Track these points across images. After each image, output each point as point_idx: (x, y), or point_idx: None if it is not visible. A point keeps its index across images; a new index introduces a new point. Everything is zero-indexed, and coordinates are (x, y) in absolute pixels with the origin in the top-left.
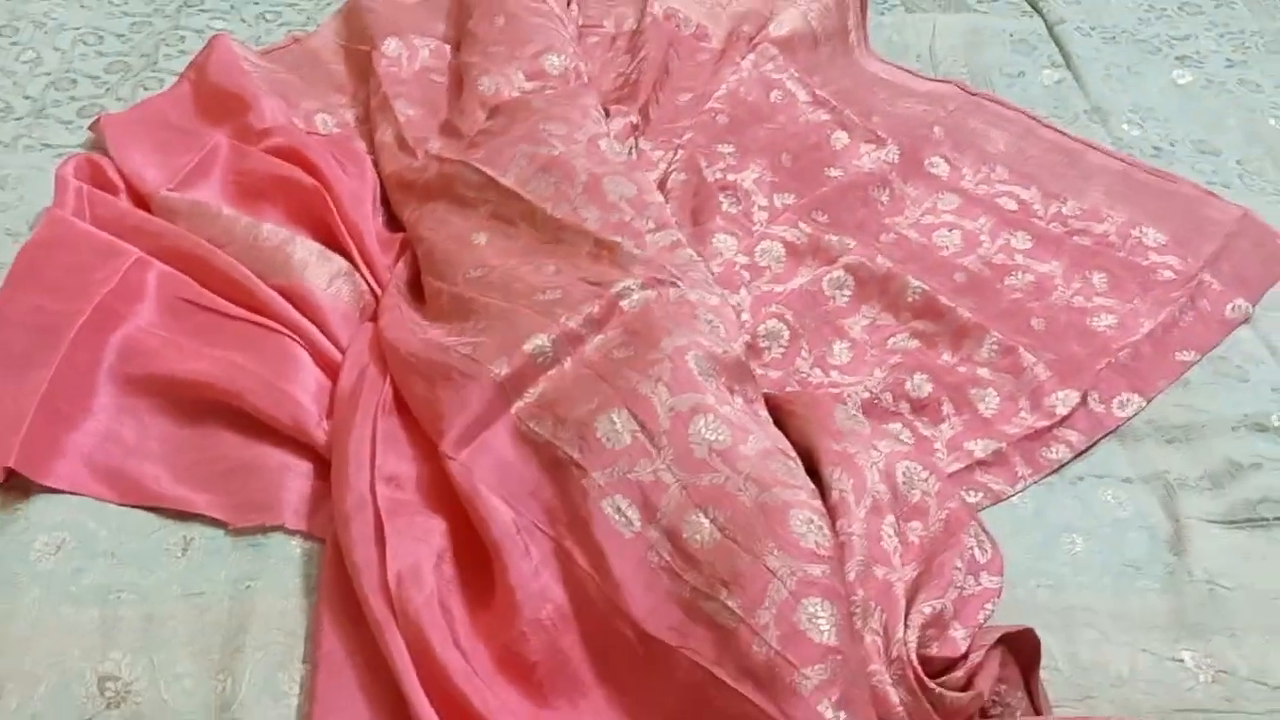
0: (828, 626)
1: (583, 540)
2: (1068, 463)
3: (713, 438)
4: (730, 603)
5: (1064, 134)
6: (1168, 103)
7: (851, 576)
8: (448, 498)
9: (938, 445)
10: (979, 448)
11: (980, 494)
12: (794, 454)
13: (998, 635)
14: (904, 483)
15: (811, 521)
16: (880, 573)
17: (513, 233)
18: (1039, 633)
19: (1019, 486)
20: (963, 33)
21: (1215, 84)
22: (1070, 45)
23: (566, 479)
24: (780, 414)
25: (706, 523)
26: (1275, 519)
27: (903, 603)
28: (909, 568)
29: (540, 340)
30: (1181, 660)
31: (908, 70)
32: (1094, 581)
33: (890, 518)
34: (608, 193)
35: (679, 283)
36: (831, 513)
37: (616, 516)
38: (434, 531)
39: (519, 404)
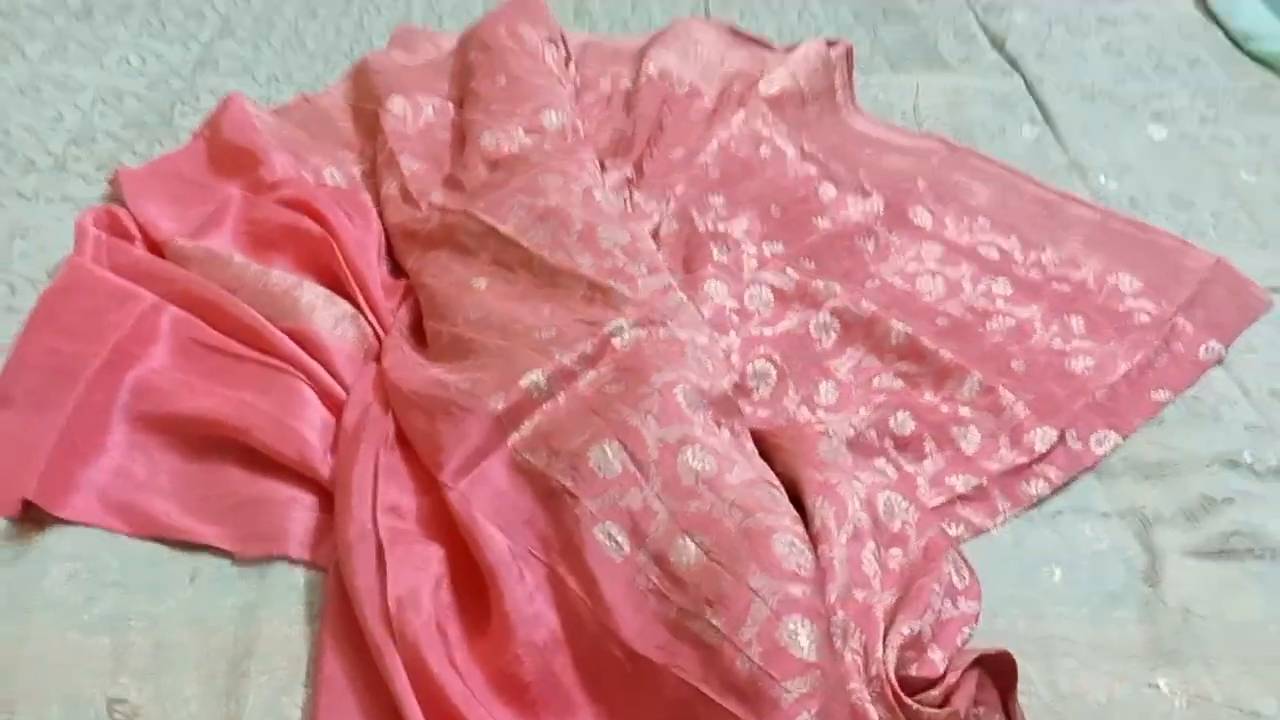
0: (808, 643)
1: (575, 566)
2: (1047, 497)
3: (699, 467)
4: (715, 621)
5: (1043, 187)
6: (1143, 157)
7: (833, 598)
8: (446, 527)
9: (920, 480)
10: (960, 483)
11: (961, 527)
12: (778, 484)
13: (974, 657)
14: (885, 512)
15: (793, 545)
16: (860, 595)
17: (512, 278)
18: (1019, 660)
19: (999, 520)
20: (945, 92)
21: (1189, 139)
22: (1049, 103)
23: (560, 507)
24: (766, 446)
25: (693, 546)
26: (1247, 551)
27: (882, 624)
28: (889, 592)
29: (536, 376)
30: (1158, 687)
31: (893, 127)
32: (1072, 611)
33: (871, 544)
34: (602, 240)
35: (669, 322)
36: (814, 539)
37: (607, 542)
38: (432, 559)
39: (515, 436)
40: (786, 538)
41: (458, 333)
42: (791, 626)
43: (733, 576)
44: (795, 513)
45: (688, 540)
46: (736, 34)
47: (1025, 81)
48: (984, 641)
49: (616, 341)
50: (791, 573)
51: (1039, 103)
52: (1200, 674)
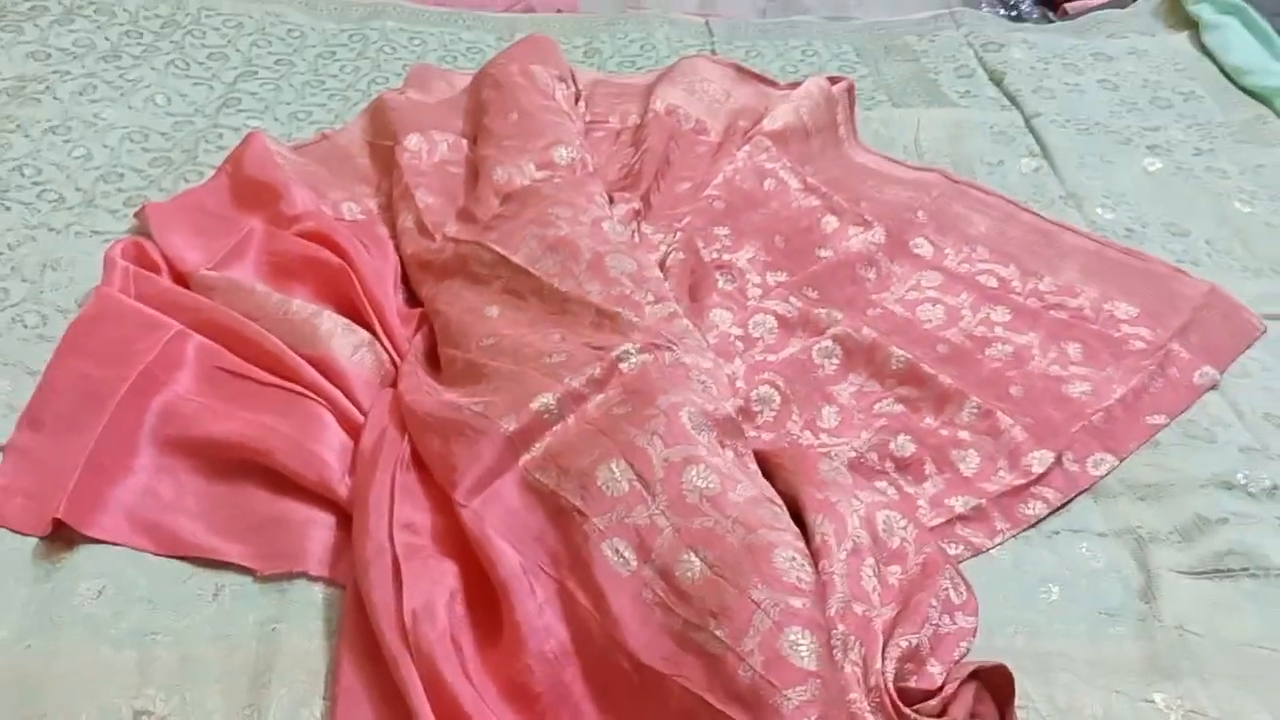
0: (808, 653)
1: (584, 580)
2: (1044, 518)
3: (703, 485)
4: (718, 632)
5: (1041, 217)
6: (1139, 188)
7: (832, 611)
8: (460, 544)
9: (921, 502)
10: (960, 504)
11: (961, 547)
12: (780, 502)
13: (971, 669)
14: (884, 530)
15: (794, 559)
16: (860, 609)
17: (523, 305)
18: (1017, 676)
19: (998, 540)
20: (946, 125)
21: (1184, 171)
22: (1046, 136)
23: (569, 524)
24: (769, 466)
25: (697, 561)
26: (1241, 570)
27: (880, 637)
28: (888, 607)
29: (546, 399)
30: (1153, 701)
31: (894, 160)
32: (1069, 628)
33: (870, 560)
34: (610, 269)
35: (674, 348)
36: (815, 555)
37: (615, 558)
38: (447, 574)
39: (526, 457)
40: (788, 553)
41: (471, 358)
42: (793, 637)
43: (736, 589)
44: (796, 529)
45: (692, 555)
46: (741, 71)
47: (1023, 115)
48: (982, 658)
49: (624, 366)
50: (792, 586)
51: (1037, 136)
52: (1195, 690)
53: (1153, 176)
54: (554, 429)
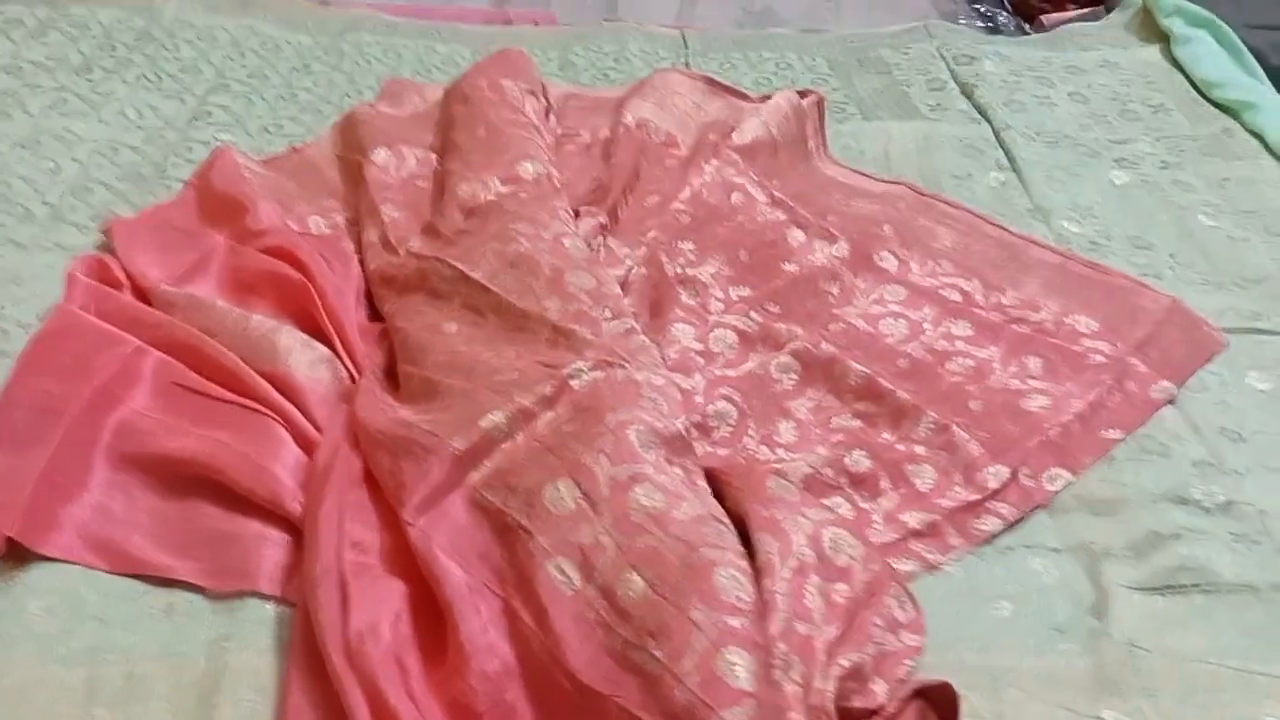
0: (744, 674)
1: (528, 599)
2: (998, 534)
3: (649, 504)
4: (657, 652)
5: (1006, 230)
6: (1105, 201)
7: (774, 630)
8: (408, 562)
9: (876, 517)
10: (914, 519)
11: (914, 563)
12: (726, 520)
13: (915, 687)
14: (831, 547)
15: (734, 578)
16: (802, 628)
17: (480, 322)
18: (965, 692)
19: (951, 556)
20: (915, 139)
21: (1150, 184)
22: (1015, 149)
23: (515, 543)
24: (719, 484)
25: (639, 580)
26: (1193, 585)
27: (822, 657)
28: (832, 626)
29: (496, 417)
30: (1101, 717)
31: (863, 173)
32: (1019, 644)
33: (815, 579)
34: (568, 285)
35: (626, 365)
36: (758, 573)
37: (559, 576)
38: (394, 593)
39: (475, 475)
40: (728, 571)
41: (426, 375)
42: (730, 657)
43: (675, 609)
44: (741, 548)
45: (634, 574)
46: (713, 84)
47: (993, 129)
48: (932, 674)
49: (575, 383)
50: (731, 605)
51: (1005, 149)
52: (1143, 706)
53: (1119, 190)
54: (503, 447)
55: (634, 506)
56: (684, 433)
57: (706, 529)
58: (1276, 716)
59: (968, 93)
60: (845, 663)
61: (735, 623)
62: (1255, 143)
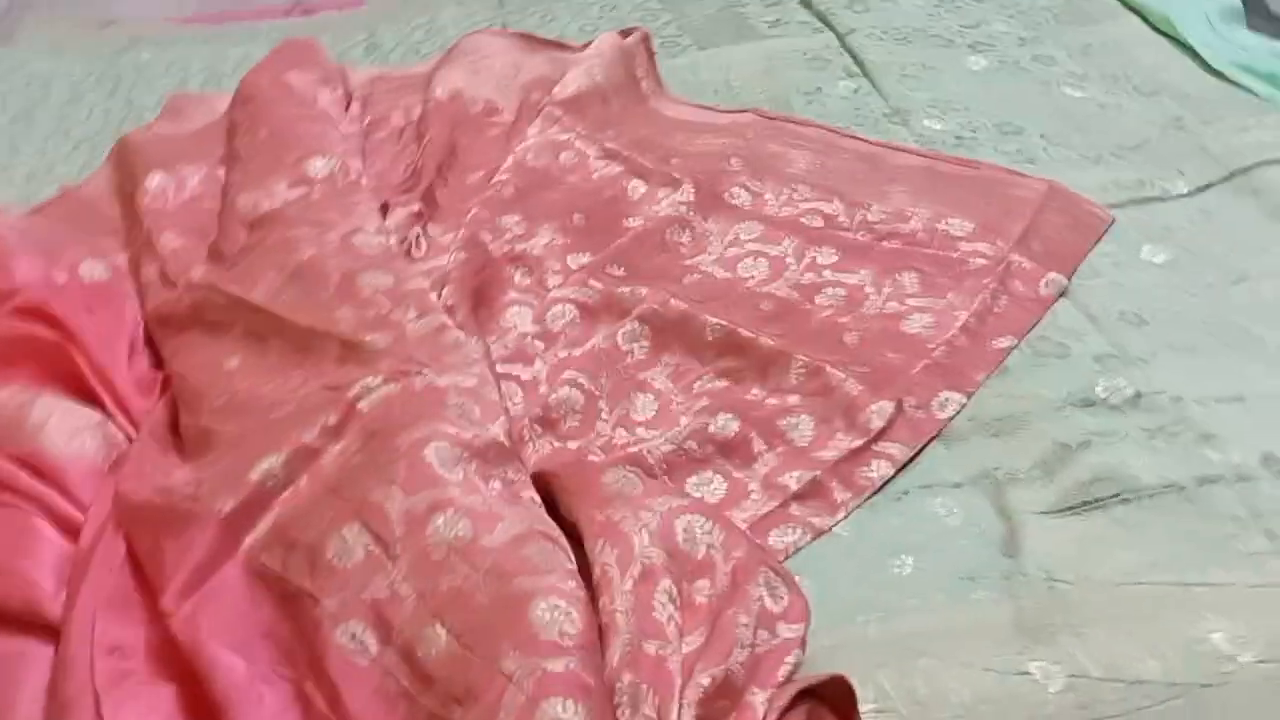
0: None
1: (319, 677)
2: (890, 478)
3: (452, 535)
4: None
5: (865, 140)
6: (966, 91)
7: (616, 660)
8: (180, 659)
9: (752, 486)
10: (794, 480)
11: (799, 530)
12: (556, 534)
13: (797, 690)
14: (685, 540)
15: (557, 608)
16: (652, 649)
17: (264, 349)
18: (870, 672)
19: (840, 515)
20: (757, 60)
21: (1010, 64)
22: (863, 53)
23: (300, 612)
24: (551, 491)
25: (443, 633)
26: (1111, 497)
27: (679, 680)
28: (695, 634)
29: (271, 462)
30: (1028, 673)
31: (706, 107)
32: (926, 602)
33: (665, 583)
34: (362, 288)
35: (425, 370)
36: (595, 590)
37: (351, 645)
38: (162, 700)
39: (250, 538)
40: (549, 602)
41: (203, 425)
42: (552, 711)
43: (483, 662)
44: (571, 566)
45: (438, 627)
46: (529, 40)
47: (837, 35)
48: (829, 657)
49: (362, 404)
50: (552, 644)
51: (853, 54)
52: (1073, 648)
53: (978, 76)
54: (281, 498)
55: (434, 541)
56: (503, 438)
57: (529, 550)
58: (1223, 630)
59: (806, 3)
60: (705, 680)
61: (558, 666)
62: (1111, 0)
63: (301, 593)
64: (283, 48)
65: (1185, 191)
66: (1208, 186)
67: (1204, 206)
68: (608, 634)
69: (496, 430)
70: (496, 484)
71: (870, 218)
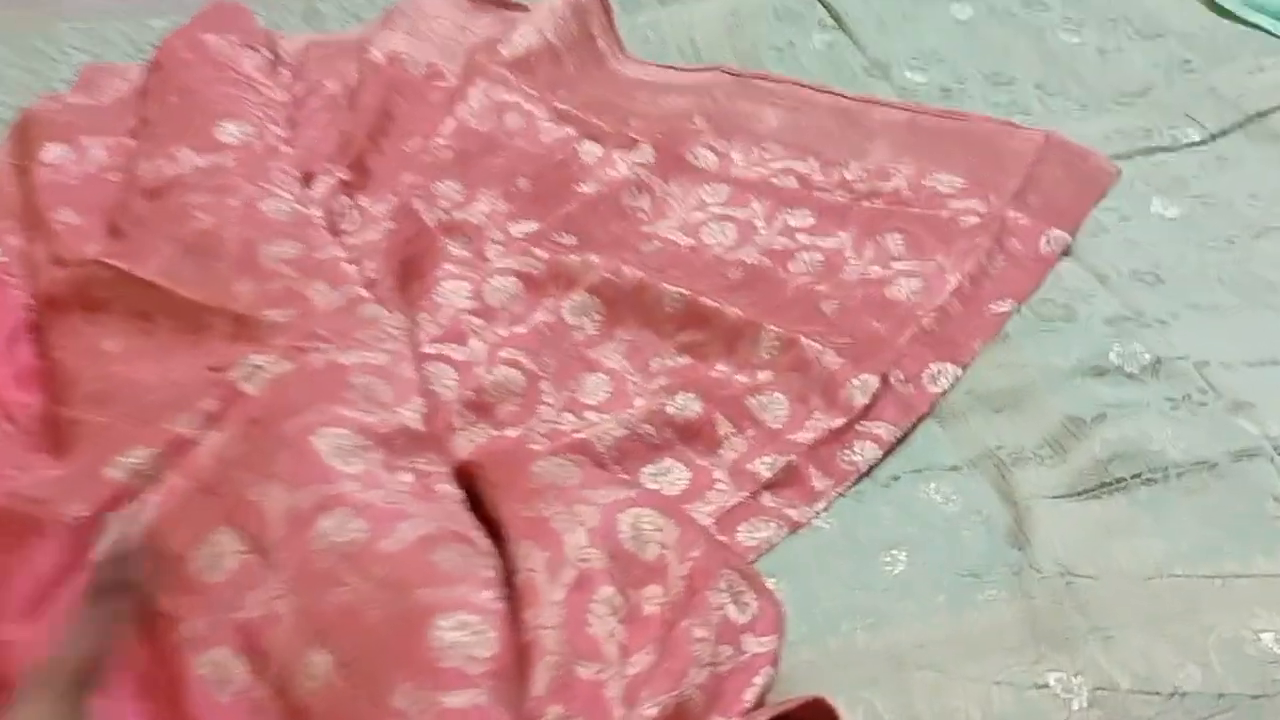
0: None
1: (177, 713)
2: (879, 462)
3: (343, 539)
4: None
5: (842, 95)
6: (950, 41)
7: (541, 688)
8: None
9: (718, 475)
10: (765, 467)
11: (772, 524)
12: (474, 535)
13: (768, 718)
14: (631, 538)
15: (465, 626)
16: (587, 672)
17: (149, 329)
18: (860, 690)
19: (820, 505)
20: (722, 15)
21: (998, 11)
22: (838, 3)
23: (159, 636)
24: (477, 483)
25: (325, 660)
26: (1134, 478)
27: (618, 711)
28: (643, 653)
29: (136, 458)
30: (1047, 685)
31: (669, 66)
32: (924, 606)
33: (606, 591)
34: (264, 260)
35: (326, 347)
36: (518, 601)
37: (215, 675)
38: None
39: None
40: (454, 619)
41: (71, 415)
42: None
43: (369, 697)
44: (490, 574)
45: (320, 652)
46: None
47: None
48: (811, 676)
49: (248, 386)
50: (454, 673)
51: (827, 5)
52: (1098, 655)
53: (964, 24)
54: (147, 500)
55: (320, 547)
56: (415, 423)
57: (436, 555)
58: (1275, 629)
59: None
60: (653, 710)
61: (459, 700)
62: None
63: (161, 615)
64: (208, 11)
65: (1198, 139)
66: (1222, 133)
67: (1219, 154)
68: (531, 656)
69: (408, 414)
70: (406, 476)
71: (848, 176)
